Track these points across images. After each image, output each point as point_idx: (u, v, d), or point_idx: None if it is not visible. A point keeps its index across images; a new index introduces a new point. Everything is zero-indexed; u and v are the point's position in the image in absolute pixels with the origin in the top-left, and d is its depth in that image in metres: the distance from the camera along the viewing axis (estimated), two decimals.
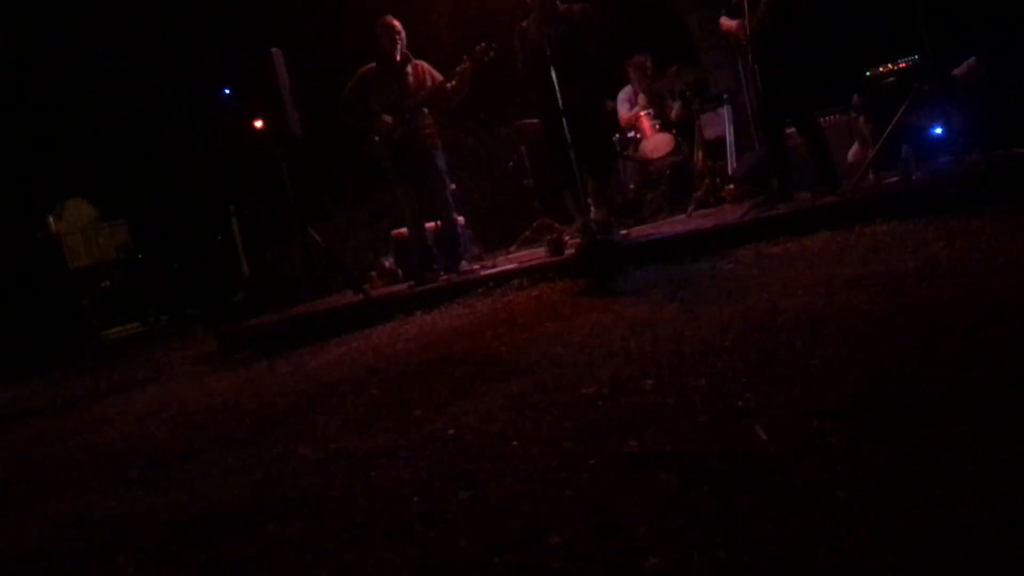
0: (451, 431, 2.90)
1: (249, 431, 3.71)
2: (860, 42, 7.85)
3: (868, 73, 7.08)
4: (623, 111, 8.40)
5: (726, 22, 6.01)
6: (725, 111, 8.32)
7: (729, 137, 8.29)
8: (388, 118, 6.37)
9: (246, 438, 3.59)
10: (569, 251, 6.05)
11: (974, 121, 5.93)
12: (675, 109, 8.27)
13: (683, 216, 7.29)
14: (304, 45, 7.99)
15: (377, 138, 6.43)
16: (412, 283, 6.60)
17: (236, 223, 8.57)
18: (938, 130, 6.34)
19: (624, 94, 8.53)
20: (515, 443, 2.60)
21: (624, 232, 6.24)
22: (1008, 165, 5.30)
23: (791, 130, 6.22)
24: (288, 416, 3.81)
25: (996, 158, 5.48)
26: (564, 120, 5.63)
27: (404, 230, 7.11)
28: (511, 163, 8.48)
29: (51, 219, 10.98)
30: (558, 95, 5.65)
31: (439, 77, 6.54)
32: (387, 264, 7.92)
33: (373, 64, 6.56)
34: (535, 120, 7.73)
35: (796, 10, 5.64)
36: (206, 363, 6.21)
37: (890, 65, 6.93)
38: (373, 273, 8.03)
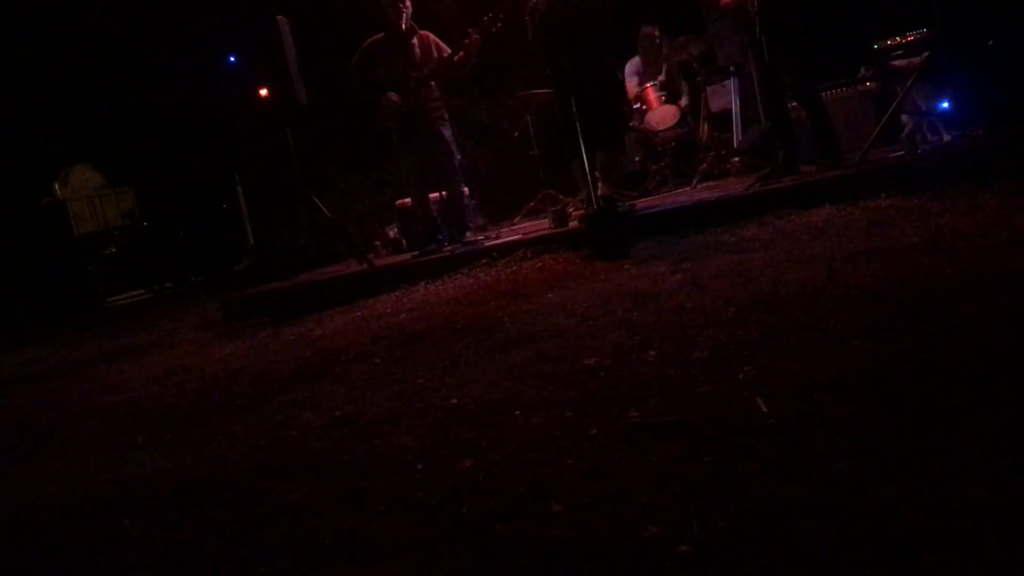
0: (454, 400, 2.93)
1: (254, 397, 3.74)
2: (868, 14, 7.78)
3: (876, 46, 7.03)
4: (631, 84, 8.36)
5: None
6: (731, 83, 8.28)
7: (735, 109, 8.25)
8: (394, 96, 6.35)
9: (251, 404, 3.62)
10: (573, 222, 6.06)
11: (981, 96, 5.89)
12: (683, 99, 8.21)
13: (688, 188, 7.27)
14: (311, 13, 7.93)
15: (383, 113, 6.41)
16: (416, 253, 6.62)
17: (241, 191, 8.56)
18: (945, 105, 6.30)
19: (632, 66, 8.48)
20: (517, 412, 2.62)
21: (629, 204, 6.23)
22: (1014, 141, 5.27)
23: (795, 103, 6.19)
24: (292, 383, 3.84)
25: (1003, 133, 5.45)
26: (573, 92, 5.62)
27: (409, 200, 7.11)
28: (516, 133, 8.45)
29: (57, 185, 10.98)
30: (568, 67, 5.63)
31: (446, 49, 6.51)
32: (391, 233, 7.93)
33: (380, 35, 6.53)
34: (541, 91, 7.70)
35: None
36: (211, 330, 6.24)
37: (898, 38, 6.87)
38: (377, 242, 8.04)
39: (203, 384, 4.30)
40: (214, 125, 9.15)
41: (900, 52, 6.81)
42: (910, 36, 6.75)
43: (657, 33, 8.40)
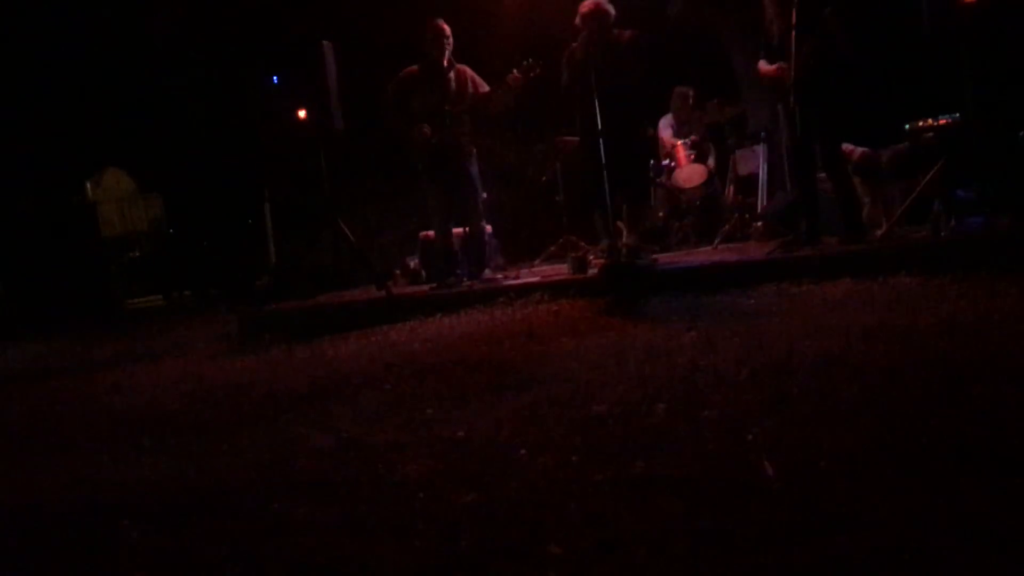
0: (461, 433, 2.94)
1: (263, 412, 3.77)
2: (902, 94, 7.86)
3: (907, 127, 7.09)
4: (665, 137, 8.46)
5: (764, 67, 6.05)
6: (760, 149, 8.36)
7: (762, 175, 8.32)
8: (427, 128, 6.44)
9: (259, 419, 3.65)
10: (592, 271, 6.09)
11: (1009, 185, 5.93)
12: (710, 160, 8.31)
13: (709, 248, 7.31)
14: (356, 40, 8.09)
15: (413, 144, 6.51)
16: (434, 285, 6.66)
17: (269, 208, 8.67)
18: (972, 190, 6.33)
19: (665, 120, 8.60)
20: (523, 452, 2.64)
21: (650, 258, 6.27)
22: None
23: (823, 175, 6.25)
24: (302, 402, 3.87)
25: None
26: (602, 143, 5.69)
27: (431, 232, 7.17)
28: (544, 178, 8.54)
29: (89, 186, 11.14)
30: (599, 118, 5.71)
31: (483, 86, 6.61)
32: (412, 264, 7.99)
33: (417, 66, 6.64)
34: (572, 138, 7.80)
35: (838, 58, 5.67)
36: (225, 342, 6.28)
37: (930, 120, 6.93)
38: (397, 271, 8.10)
39: (213, 394, 4.34)
40: (249, 142, 9.29)
41: (931, 135, 6.87)
42: (942, 120, 6.81)
43: (691, 93, 8.53)
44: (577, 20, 6.22)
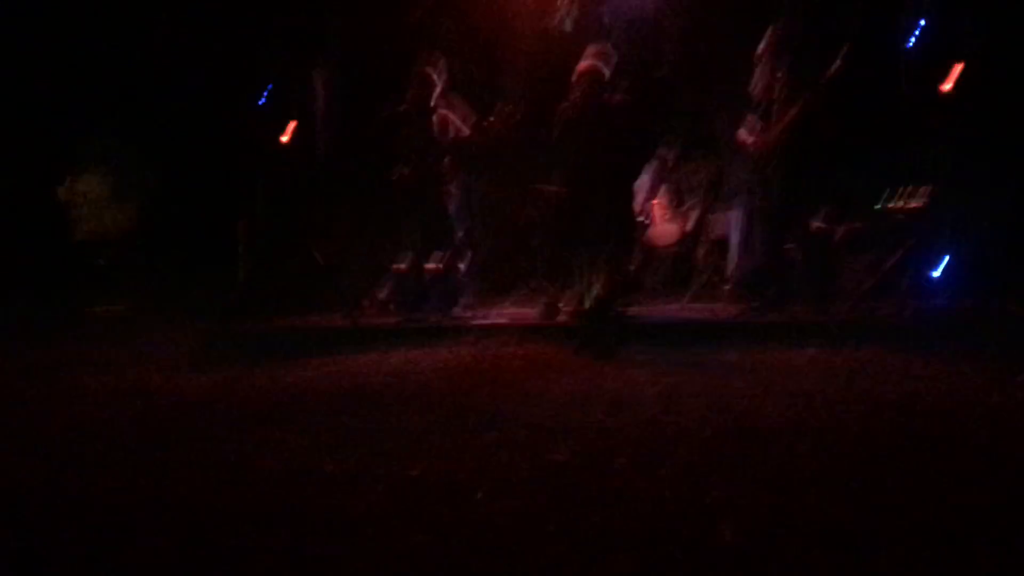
0: (417, 471, 2.90)
1: (216, 433, 3.69)
2: (876, 172, 8.03)
3: (878, 205, 7.23)
4: (639, 196, 8.56)
5: (743, 135, 6.17)
6: (734, 212, 8.47)
7: (734, 238, 8.41)
8: (405, 168, 6.49)
9: (212, 438, 3.57)
10: (562, 317, 6.10)
11: (974, 269, 6.05)
12: (692, 219, 8.42)
13: (678, 305, 7.35)
14: (348, 70, 8.14)
15: (391, 180, 6.56)
16: (403, 318, 6.63)
17: (242, 227, 8.60)
18: (938, 271, 6.45)
19: (644, 180, 8.69)
20: (480, 494, 2.60)
21: (620, 310, 6.29)
22: (1000, 318, 5.40)
23: (793, 244, 6.34)
24: (257, 425, 3.80)
25: (990, 309, 5.58)
26: (587, 194, 5.76)
27: (404, 265, 7.15)
28: (522, 222, 8.57)
29: (61, 189, 10.96)
30: (586, 174, 5.79)
31: (464, 130, 6.67)
32: (381, 295, 7.92)
33: (402, 107, 6.69)
34: (553, 187, 7.85)
35: (820, 132, 5.78)
36: (185, 358, 6.18)
37: (900, 202, 7.08)
38: (366, 301, 8.04)
39: (167, 411, 4.25)
40: (229, 160, 9.24)
41: (902, 216, 7.02)
42: (913, 201, 6.96)
43: (672, 155, 8.66)
44: (572, 78, 6.29)
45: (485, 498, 2.57)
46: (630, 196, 7.08)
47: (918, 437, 3.04)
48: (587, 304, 5.73)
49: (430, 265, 6.82)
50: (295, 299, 7.70)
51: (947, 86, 5.44)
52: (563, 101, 6.34)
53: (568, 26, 7.76)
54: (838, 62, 5.56)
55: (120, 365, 6.04)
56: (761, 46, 6.02)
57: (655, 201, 8.38)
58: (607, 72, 6.25)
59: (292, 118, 6.53)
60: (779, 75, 5.77)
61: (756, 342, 5.13)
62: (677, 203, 8.54)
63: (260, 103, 7.62)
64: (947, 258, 6.10)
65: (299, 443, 3.40)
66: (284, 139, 6.57)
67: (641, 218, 8.40)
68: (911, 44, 5.55)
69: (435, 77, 6.61)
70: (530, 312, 6.80)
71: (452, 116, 6.73)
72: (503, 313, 7.14)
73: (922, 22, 5.54)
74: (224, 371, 5.50)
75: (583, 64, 6.28)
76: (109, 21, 9.92)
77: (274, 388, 4.75)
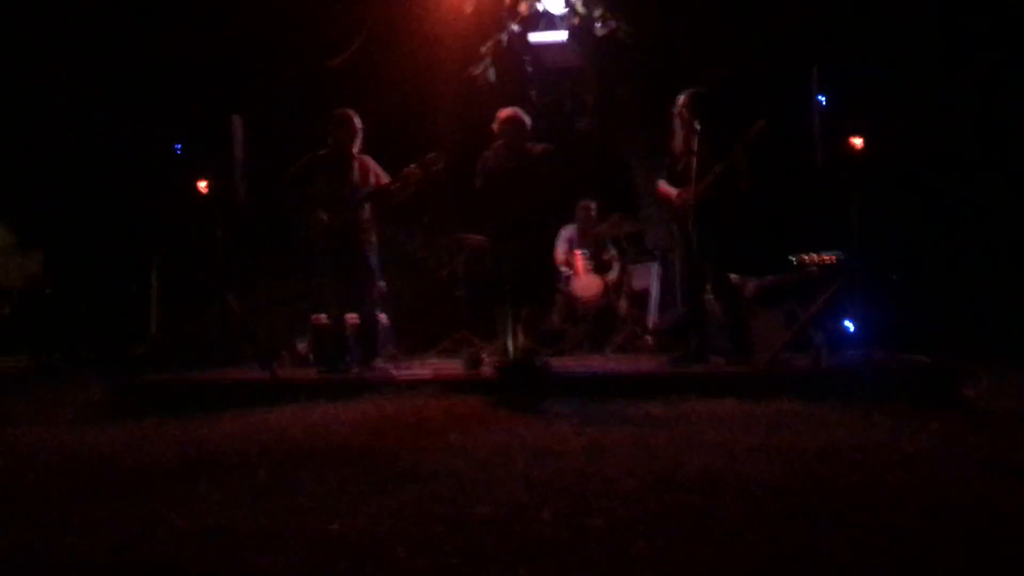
0: (336, 526, 2.80)
1: (124, 489, 3.51)
2: (792, 228, 8.31)
3: (793, 259, 7.47)
4: (560, 248, 8.66)
5: (664, 188, 6.31)
6: (654, 266, 8.64)
7: (654, 291, 8.57)
8: (324, 215, 6.42)
9: (120, 495, 3.40)
10: (485, 368, 6.07)
11: (883, 322, 6.26)
12: (615, 270, 8.56)
13: (601, 357, 7.41)
14: (267, 116, 8.07)
15: (310, 230, 6.47)
16: (322, 371, 6.50)
17: (156, 277, 8.35)
18: (850, 325, 6.66)
19: (566, 232, 8.83)
20: (400, 550, 2.52)
21: (544, 361, 6.29)
22: (910, 369, 5.58)
23: (710, 296, 6.47)
24: (168, 480, 3.64)
25: (900, 360, 5.77)
26: (509, 244, 5.78)
27: (324, 316, 7.04)
28: (445, 273, 8.56)
29: None
30: (508, 223, 5.81)
31: (384, 178, 6.64)
32: (300, 347, 7.79)
33: (322, 152, 6.65)
34: (476, 237, 7.88)
35: (737, 189, 5.95)
36: (93, 411, 5.91)
37: (815, 256, 7.32)
38: (284, 353, 7.88)
39: (73, 466, 4.03)
40: (143, 207, 9.03)
41: (815, 269, 7.25)
42: (825, 256, 7.21)
43: (593, 207, 8.80)
44: (494, 125, 6.36)
45: (406, 554, 2.49)
46: (549, 246, 7.13)
47: (836, 485, 3.09)
48: (511, 356, 5.72)
49: (351, 316, 6.72)
50: (211, 351, 7.50)
51: (857, 143, 5.66)
52: (486, 150, 6.39)
53: (491, 76, 7.88)
54: (758, 123, 5.75)
55: (24, 419, 5.75)
56: (676, 107, 6.19)
57: (577, 253, 8.49)
58: (528, 121, 6.33)
59: (209, 165, 6.40)
60: (696, 134, 5.92)
61: (678, 393, 5.18)
62: (599, 255, 8.67)
63: (176, 150, 7.48)
64: (860, 311, 6.30)
65: (212, 499, 3.26)
66: (201, 186, 6.43)
67: (564, 270, 8.49)
68: (821, 105, 5.76)
69: (356, 121, 6.59)
70: (454, 364, 6.75)
71: (372, 163, 6.70)
72: (426, 365, 7.08)
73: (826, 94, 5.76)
74: (134, 424, 5.28)
75: (504, 111, 6.35)
76: (23, 64, 9.67)
77: (187, 442, 4.57)
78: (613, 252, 8.77)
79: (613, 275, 8.56)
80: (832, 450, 3.64)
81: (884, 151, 6.02)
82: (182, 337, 8.22)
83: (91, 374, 7.45)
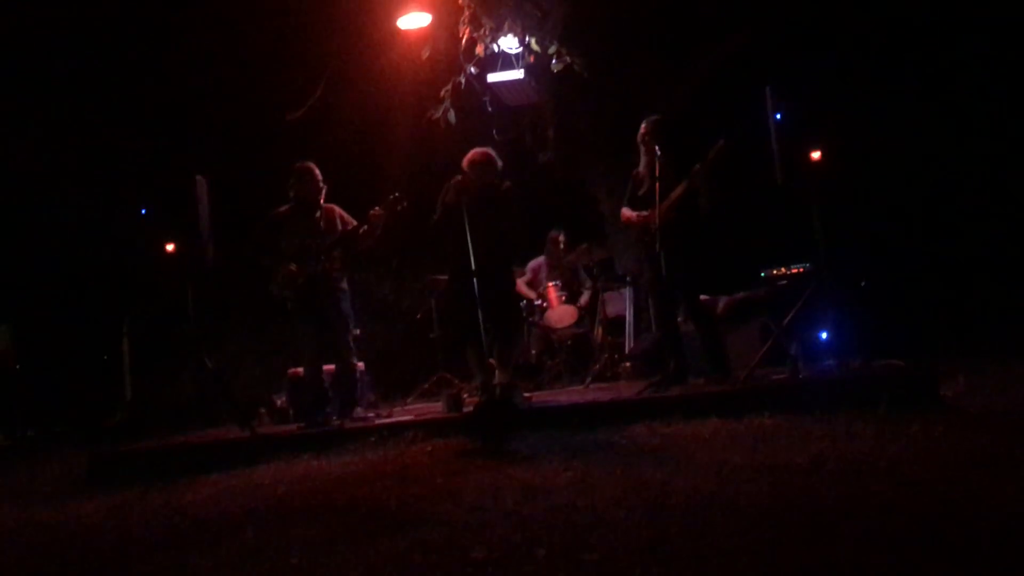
0: None
1: (109, 564, 3.45)
2: (758, 243, 8.42)
3: (763, 273, 7.55)
4: (521, 280, 8.68)
5: (627, 212, 6.37)
6: (627, 292, 8.69)
7: (629, 316, 8.61)
8: (293, 267, 6.41)
9: (105, 572, 3.34)
10: (467, 408, 6.05)
11: (859, 330, 6.33)
12: (584, 296, 8.62)
13: (581, 387, 7.41)
14: (230, 175, 8.08)
15: (280, 282, 6.44)
16: (302, 424, 6.43)
17: (127, 342, 8.27)
18: (824, 334, 6.73)
19: (535, 263, 8.87)
20: None
21: (524, 396, 6.29)
22: (887, 374, 5.64)
23: (684, 317, 6.52)
24: (155, 552, 3.57)
25: (877, 366, 5.82)
26: (476, 280, 5.77)
27: (300, 369, 6.99)
28: (419, 315, 8.55)
29: None
30: (471, 257, 5.80)
31: (351, 222, 6.65)
32: (279, 402, 7.72)
33: (286, 207, 6.65)
34: (448, 277, 7.88)
35: (700, 210, 6.02)
36: (72, 485, 5.81)
37: (783, 269, 7.41)
38: (263, 410, 7.81)
39: (55, 544, 3.95)
40: (111, 273, 8.96)
41: (785, 282, 7.33)
42: (794, 268, 7.30)
43: (562, 238, 8.86)
44: (465, 166, 6.33)
45: None
46: (511, 280, 7.13)
47: (826, 499, 3.10)
48: (490, 393, 5.70)
49: (327, 366, 6.68)
50: (188, 413, 7.43)
51: (815, 156, 5.77)
52: (452, 189, 6.41)
53: (452, 117, 7.95)
54: (718, 143, 5.84)
55: (2, 500, 5.64)
56: (640, 132, 6.28)
57: (550, 284, 8.53)
58: (499, 163, 6.35)
59: (176, 227, 6.38)
60: (659, 157, 5.99)
61: (660, 417, 5.19)
62: (571, 285, 8.72)
63: (142, 213, 7.45)
64: (832, 320, 6.37)
65: (200, 566, 3.21)
66: (169, 248, 6.40)
67: (538, 301, 8.51)
68: (777, 122, 5.86)
69: (317, 172, 6.60)
70: (435, 406, 6.72)
71: (338, 209, 6.71)
72: (406, 410, 7.05)
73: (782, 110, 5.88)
74: (115, 496, 5.19)
75: (477, 153, 6.36)
76: None
77: (170, 509, 4.50)
78: (584, 277, 8.82)
79: (584, 298, 8.60)
80: (818, 463, 3.66)
81: (842, 162, 6.13)
82: (158, 402, 8.13)
83: (68, 447, 7.31)
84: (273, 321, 9.59)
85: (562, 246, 8.83)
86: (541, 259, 8.94)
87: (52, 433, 8.55)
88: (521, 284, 8.66)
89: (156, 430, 7.10)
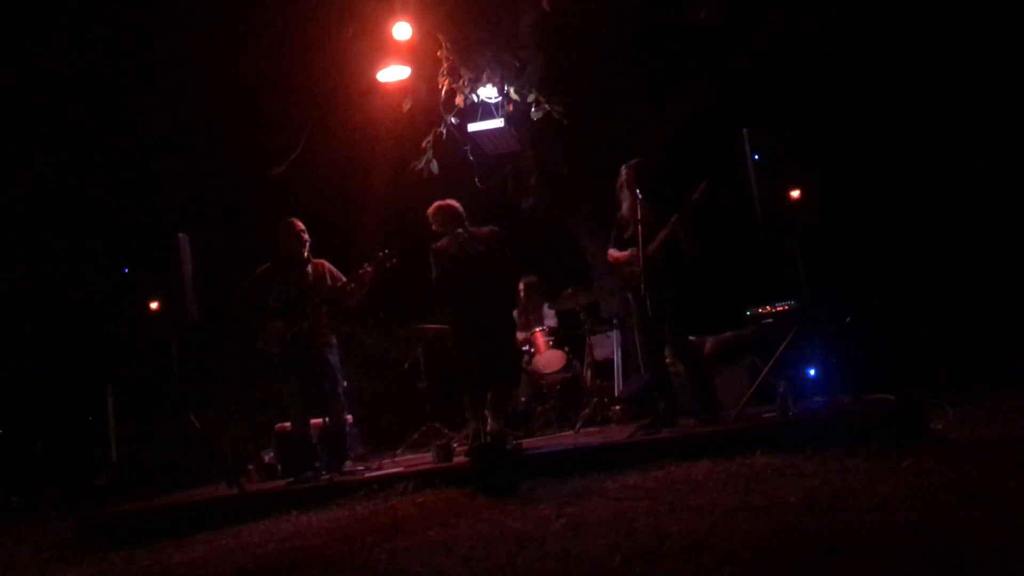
0: None
1: None
2: (743, 282, 8.47)
3: (748, 312, 7.58)
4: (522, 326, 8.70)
5: (614, 253, 6.41)
6: (614, 334, 8.70)
7: (617, 359, 8.60)
8: (279, 323, 6.39)
9: None
10: (458, 458, 6.00)
11: (847, 365, 6.34)
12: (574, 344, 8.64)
13: (572, 432, 7.37)
14: (212, 231, 8.08)
15: (266, 339, 6.42)
16: (291, 480, 6.36)
17: (112, 403, 8.18)
18: (812, 371, 6.74)
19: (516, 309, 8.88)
20: None
21: (516, 443, 6.25)
22: (877, 409, 5.63)
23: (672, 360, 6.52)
24: None
25: (866, 401, 5.82)
26: (473, 329, 5.79)
27: (288, 424, 6.93)
28: (407, 365, 8.52)
29: None
30: (470, 307, 5.85)
31: (340, 277, 6.65)
32: (267, 458, 7.64)
33: (269, 264, 6.65)
34: (434, 326, 7.88)
35: (682, 253, 6.06)
36: (58, 551, 5.71)
37: (768, 307, 7.45)
38: (251, 466, 7.72)
39: None
40: (94, 333, 8.90)
41: (771, 320, 7.36)
42: (780, 306, 7.33)
43: (535, 281, 8.91)
44: (430, 222, 6.42)
45: None
46: (511, 326, 7.15)
47: (821, 537, 3.07)
48: (481, 441, 5.67)
49: (315, 420, 6.63)
50: (175, 472, 7.33)
51: (795, 195, 5.83)
52: (436, 241, 6.46)
53: (434, 168, 8.00)
54: (700, 185, 5.90)
55: None
56: (620, 178, 6.34)
57: (536, 330, 8.53)
58: (459, 207, 6.44)
59: (159, 285, 6.36)
60: (640, 201, 6.04)
61: (652, 460, 5.16)
62: (558, 329, 8.72)
63: (124, 272, 7.42)
64: (819, 356, 6.38)
65: None
66: (153, 306, 6.37)
67: (526, 347, 8.50)
68: (756, 162, 5.93)
69: (301, 227, 6.61)
70: (425, 457, 6.66)
71: (327, 265, 6.71)
72: (397, 461, 6.99)
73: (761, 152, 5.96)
74: (102, 560, 5.11)
75: (434, 205, 6.45)
76: None
77: (159, 571, 4.42)
78: (542, 306, 8.86)
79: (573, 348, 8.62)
80: (812, 501, 3.63)
81: (822, 199, 6.20)
82: (144, 462, 8.03)
83: (53, 512, 7.18)
84: (259, 376, 9.55)
85: (536, 291, 8.88)
86: (528, 304, 8.96)
87: (37, 498, 8.39)
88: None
89: (142, 491, 7.00)
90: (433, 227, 6.45)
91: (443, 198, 6.54)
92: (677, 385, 6.39)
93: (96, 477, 7.57)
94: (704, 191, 5.90)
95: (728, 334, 7.39)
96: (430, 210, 6.47)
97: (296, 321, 6.41)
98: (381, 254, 6.44)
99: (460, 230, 6.28)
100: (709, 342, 7.27)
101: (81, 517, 6.24)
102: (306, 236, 6.61)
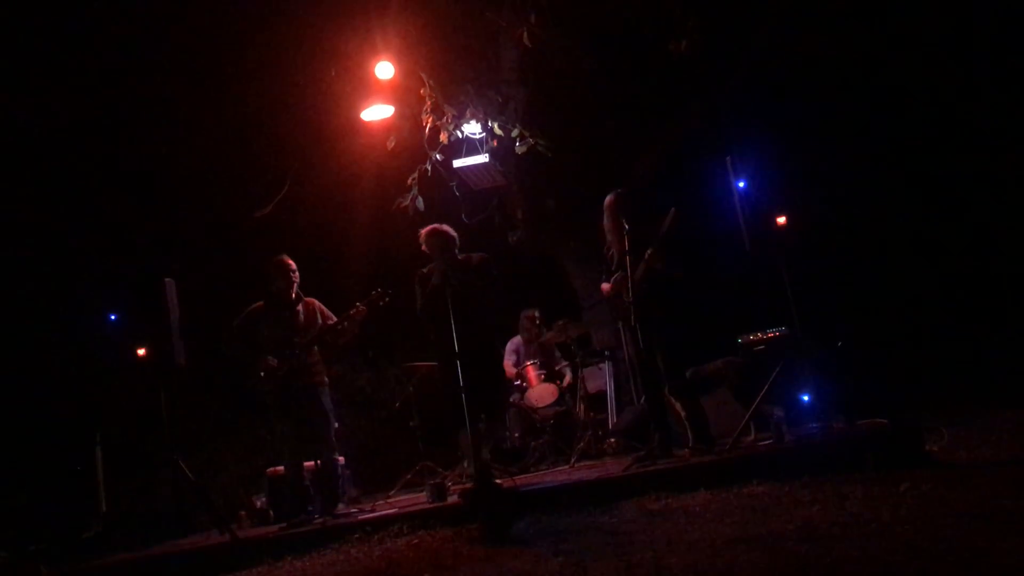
0: None
1: None
2: (733, 309, 8.46)
3: (739, 340, 7.56)
4: (508, 362, 8.67)
5: (605, 286, 6.41)
6: (606, 367, 8.66)
7: (610, 391, 8.57)
8: (273, 360, 6.34)
9: None
10: (452, 497, 5.93)
11: (840, 390, 6.32)
12: (567, 376, 8.62)
13: (567, 467, 7.31)
14: (199, 275, 8.05)
15: (260, 376, 6.36)
16: (284, 525, 6.26)
17: (100, 452, 8.09)
18: (806, 397, 6.71)
19: (512, 345, 8.85)
20: None
21: (511, 479, 6.18)
22: (872, 433, 5.60)
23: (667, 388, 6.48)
24: None
25: (861, 426, 5.80)
26: (459, 362, 5.76)
27: (280, 468, 6.84)
28: (397, 404, 8.44)
29: None
30: (455, 338, 5.82)
31: (331, 317, 6.62)
32: (259, 503, 7.54)
33: (261, 303, 6.61)
34: (425, 363, 7.83)
35: (666, 283, 6.05)
36: None
37: (759, 334, 7.43)
38: (243, 512, 7.62)
39: None
40: (80, 382, 8.82)
41: (762, 347, 7.34)
42: (771, 333, 7.31)
43: (537, 315, 8.86)
44: (422, 245, 6.45)
45: None
46: (494, 357, 7.12)
47: (821, 566, 3.03)
48: (475, 480, 5.60)
49: (308, 463, 6.55)
50: (165, 521, 7.22)
51: (781, 221, 5.85)
52: (425, 274, 6.47)
53: (420, 204, 8.00)
54: (669, 213, 5.90)
55: None
56: (606, 207, 6.35)
57: (528, 364, 8.49)
58: (452, 232, 6.45)
59: (146, 331, 6.31)
60: (627, 231, 6.04)
61: (649, 492, 5.11)
62: (550, 363, 8.68)
63: (111, 319, 7.37)
64: (812, 382, 6.36)
65: None
66: (141, 352, 6.31)
67: (518, 381, 8.45)
68: (741, 190, 5.95)
69: (292, 265, 6.59)
70: (419, 497, 6.58)
71: (317, 304, 6.68)
72: (391, 502, 6.90)
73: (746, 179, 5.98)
74: None
75: (426, 228, 6.46)
76: None
77: None
78: (559, 355, 8.82)
79: (567, 378, 8.59)
80: (809, 529, 3.60)
81: (809, 224, 6.22)
82: (134, 511, 7.92)
83: (41, 566, 7.03)
84: (249, 421, 9.46)
85: (537, 324, 8.82)
86: (518, 339, 8.92)
87: (24, 553, 8.23)
88: (507, 364, 8.63)
89: (133, 541, 6.89)
90: (423, 248, 6.45)
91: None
92: (671, 414, 6.35)
93: (85, 528, 7.45)
94: (674, 218, 5.90)
95: (720, 362, 7.36)
96: (423, 232, 6.48)
97: (287, 360, 6.37)
98: (374, 293, 6.42)
99: (448, 255, 6.29)
100: (702, 370, 7.24)
101: (67, 571, 6.13)
102: (296, 276, 6.59)
